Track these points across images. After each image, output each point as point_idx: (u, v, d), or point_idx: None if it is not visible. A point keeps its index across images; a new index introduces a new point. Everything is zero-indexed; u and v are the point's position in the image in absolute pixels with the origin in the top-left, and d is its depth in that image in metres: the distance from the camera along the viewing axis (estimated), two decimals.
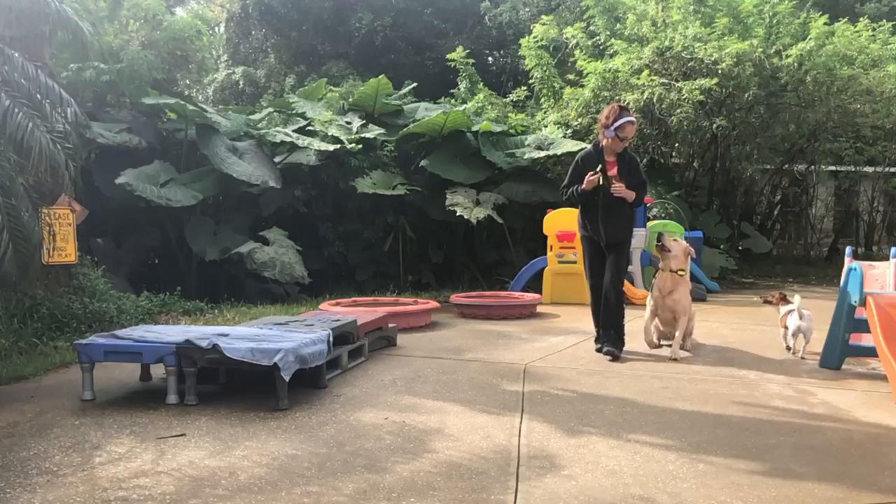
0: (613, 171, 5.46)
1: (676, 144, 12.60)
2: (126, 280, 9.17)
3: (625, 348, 5.64)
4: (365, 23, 18.88)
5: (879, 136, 13.65)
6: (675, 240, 5.81)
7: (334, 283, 10.39)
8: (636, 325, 6.32)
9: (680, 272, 5.67)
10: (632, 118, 5.49)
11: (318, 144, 10.23)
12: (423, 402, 4.30)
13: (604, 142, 5.55)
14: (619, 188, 5.39)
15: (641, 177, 5.62)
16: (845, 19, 12.16)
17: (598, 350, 5.68)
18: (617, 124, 5.38)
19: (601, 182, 5.39)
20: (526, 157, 10.85)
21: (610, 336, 5.55)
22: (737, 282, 11.67)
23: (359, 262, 10.97)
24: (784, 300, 5.97)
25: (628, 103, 10.35)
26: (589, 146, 5.93)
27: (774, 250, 15.50)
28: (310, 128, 10.99)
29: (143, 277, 9.74)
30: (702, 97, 10.60)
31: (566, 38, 13.21)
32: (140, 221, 9.96)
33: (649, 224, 9.36)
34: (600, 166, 5.43)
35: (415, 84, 13.75)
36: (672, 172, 12.59)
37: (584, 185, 5.44)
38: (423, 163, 11.09)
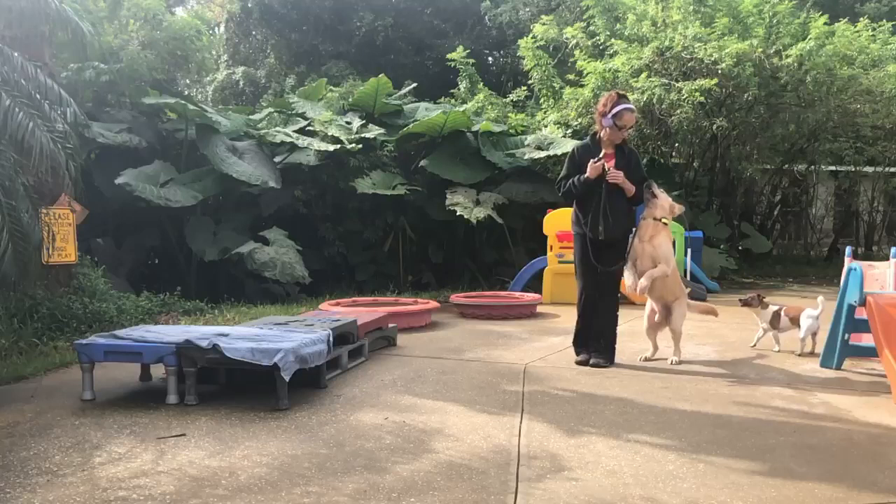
0: (611, 164, 5.17)
1: (676, 144, 12.60)
2: (126, 280, 9.18)
3: (624, 348, 5.62)
4: (365, 22, 18.91)
5: (879, 136, 13.65)
6: (664, 191, 5.46)
7: (334, 283, 10.39)
8: (636, 324, 6.31)
9: (663, 220, 5.32)
10: (630, 105, 5.19)
11: (318, 144, 10.23)
12: (423, 402, 4.30)
13: (601, 132, 5.23)
14: (616, 175, 5.10)
15: (642, 173, 5.35)
16: (845, 19, 12.17)
17: (580, 362, 5.30)
18: (615, 111, 5.08)
19: (605, 169, 5.12)
20: (526, 157, 10.86)
21: (599, 346, 5.29)
22: (737, 282, 11.67)
23: (359, 262, 10.98)
24: (762, 301, 5.95)
25: None
26: (587, 139, 5.60)
27: (774, 250, 15.52)
28: (310, 128, 11.00)
29: (143, 277, 9.74)
30: (702, 98, 10.59)
31: (566, 38, 13.21)
32: (140, 221, 9.96)
33: None
34: (603, 152, 5.18)
35: (415, 84, 13.76)
36: (672, 172, 12.60)
37: (588, 173, 5.12)
38: (423, 163, 11.09)
